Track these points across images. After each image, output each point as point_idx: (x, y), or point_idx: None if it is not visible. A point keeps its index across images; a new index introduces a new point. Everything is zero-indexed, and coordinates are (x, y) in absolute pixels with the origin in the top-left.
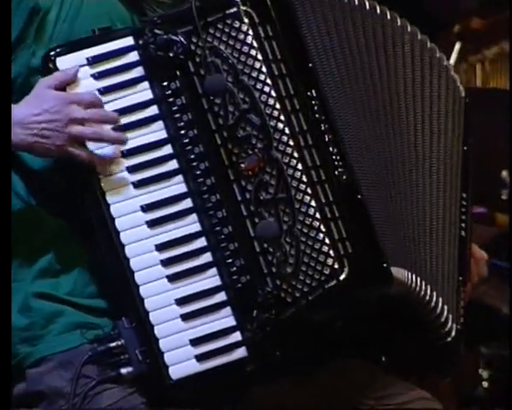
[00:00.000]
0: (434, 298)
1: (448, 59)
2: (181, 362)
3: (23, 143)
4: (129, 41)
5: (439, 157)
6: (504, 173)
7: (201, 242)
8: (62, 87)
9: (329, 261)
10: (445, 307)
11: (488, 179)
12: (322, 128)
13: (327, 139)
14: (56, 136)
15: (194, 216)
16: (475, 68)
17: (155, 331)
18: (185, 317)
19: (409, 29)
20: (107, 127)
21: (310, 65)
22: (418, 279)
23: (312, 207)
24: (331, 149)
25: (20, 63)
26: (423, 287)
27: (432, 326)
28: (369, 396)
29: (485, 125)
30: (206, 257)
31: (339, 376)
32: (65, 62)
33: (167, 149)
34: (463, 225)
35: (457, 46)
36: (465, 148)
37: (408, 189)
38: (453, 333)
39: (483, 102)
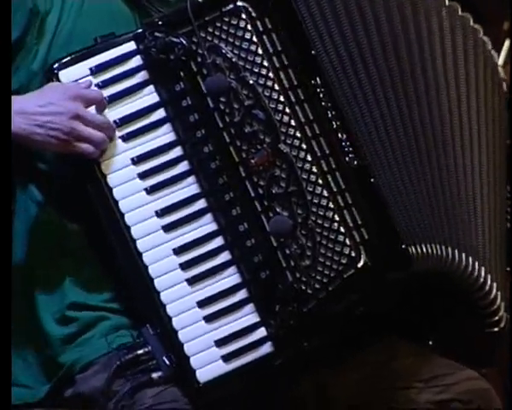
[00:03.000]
0: (483, 274)
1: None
2: (207, 364)
3: (22, 132)
4: (131, 46)
5: (477, 142)
6: None
7: (218, 241)
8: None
9: (346, 250)
10: (498, 293)
11: None
12: (329, 115)
13: (335, 126)
14: (58, 128)
15: (209, 216)
16: None
17: (179, 336)
18: (208, 318)
19: (447, 2)
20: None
21: (312, 52)
22: (459, 252)
23: (324, 197)
24: (340, 135)
25: (21, 72)
26: (468, 261)
27: (483, 312)
28: (417, 379)
29: None
30: (225, 256)
31: (386, 359)
32: (68, 75)
33: (177, 151)
34: (509, 217)
35: (507, 43)
36: (508, 141)
37: (444, 169)
38: (503, 323)
39: None
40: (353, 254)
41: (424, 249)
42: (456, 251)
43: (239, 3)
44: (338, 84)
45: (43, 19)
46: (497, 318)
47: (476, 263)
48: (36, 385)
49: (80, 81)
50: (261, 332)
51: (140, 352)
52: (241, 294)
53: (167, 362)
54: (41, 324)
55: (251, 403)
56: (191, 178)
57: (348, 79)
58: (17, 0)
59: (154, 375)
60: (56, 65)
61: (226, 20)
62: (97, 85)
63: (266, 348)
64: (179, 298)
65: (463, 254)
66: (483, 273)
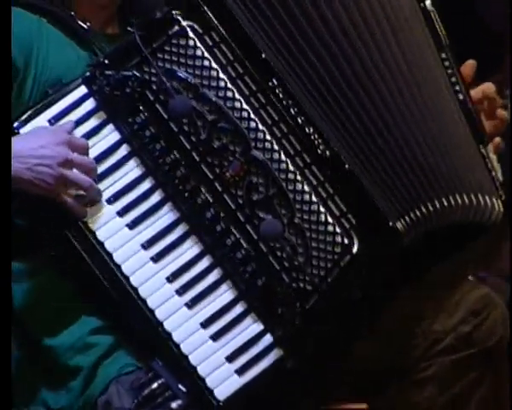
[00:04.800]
0: (481, 200)
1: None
2: (224, 381)
3: (20, 176)
4: (82, 90)
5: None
6: None
7: (207, 260)
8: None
9: (338, 239)
10: (486, 196)
11: None
12: (293, 113)
13: (300, 122)
14: (48, 173)
15: (193, 238)
16: None
17: (190, 360)
18: (214, 337)
19: None
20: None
21: (263, 55)
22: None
23: (306, 192)
24: (307, 129)
25: None
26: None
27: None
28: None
29: None
30: (216, 273)
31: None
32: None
33: (149, 182)
34: (457, 87)
35: None
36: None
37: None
38: (498, 209)
39: None
40: (346, 241)
41: (418, 213)
42: (472, 194)
43: (183, 23)
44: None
45: (23, 76)
46: (493, 217)
47: (486, 197)
48: None
49: (64, 124)
50: (268, 339)
51: (154, 386)
52: (240, 306)
53: (184, 389)
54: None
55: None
56: (168, 205)
57: (296, 72)
58: None
59: (174, 405)
60: (16, 124)
61: (174, 42)
62: None
63: (276, 353)
64: (182, 323)
65: (476, 195)
66: (495, 202)
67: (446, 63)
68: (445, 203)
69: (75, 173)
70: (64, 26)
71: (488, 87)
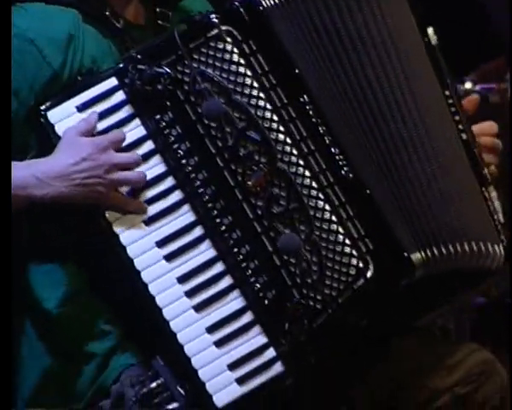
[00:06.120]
0: (497, 250)
1: None
2: (223, 388)
3: (64, 195)
4: (112, 82)
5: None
6: None
7: (219, 266)
8: (89, 135)
9: (354, 261)
10: (488, 244)
11: None
12: (321, 131)
13: (327, 141)
14: (99, 183)
15: (208, 242)
16: None
17: (192, 363)
18: (218, 343)
19: None
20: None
21: (296, 71)
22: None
23: (327, 210)
24: (333, 150)
25: None
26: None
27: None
28: (425, 363)
29: None
30: (227, 280)
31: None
32: (56, 115)
33: (170, 182)
34: (460, 126)
35: None
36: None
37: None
38: (500, 255)
39: None
40: (361, 265)
41: (436, 251)
42: (473, 242)
43: (223, 27)
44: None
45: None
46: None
47: (489, 245)
48: None
49: (85, 117)
50: (271, 353)
51: (153, 385)
52: (247, 316)
53: (182, 392)
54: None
55: None
56: (186, 207)
57: (328, 92)
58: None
59: (170, 407)
60: (43, 106)
61: (212, 45)
62: None
63: (277, 368)
64: (188, 325)
65: (477, 242)
66: (497, 250)
67: (450, 101)
68: (459, 249)
69: (125, 174)
70: (98, 24)
71: (491, 127)
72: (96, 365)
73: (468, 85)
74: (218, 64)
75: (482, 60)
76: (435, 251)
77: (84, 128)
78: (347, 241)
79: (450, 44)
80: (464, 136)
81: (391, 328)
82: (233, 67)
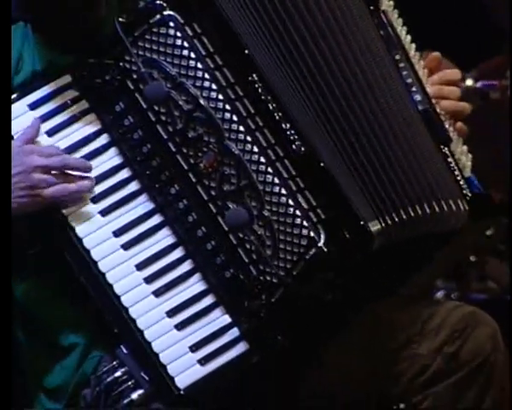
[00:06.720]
0: (444, 206)
1: None
2: (185, 370)
3: (14, 207)
4: (67, 78)
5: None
6: None
7: (179, 251)
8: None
9: (305, 232)
10: (450, 201)
11: None
12: (271, 108)
13: (277, 117)
14: (26, 186)
15: (166, 229)
16: None
17: (153, 347)
18: (179, 326)
19: None
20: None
21: (246, 51)
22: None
23: (276, 184)
24: (283, 125)
25: None
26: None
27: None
28: (411, 333)
29: None
30: (188, 265)
31: (371, 326)
32: None
33: (126, 172)
34: (414, 88)
35: None
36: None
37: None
38: (464, 209)
39: None
40: (312, 234)
41: (396, 217)
42: (434, 202)
43: (165, 12)
44: (273, 75)
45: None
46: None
47: (451, 201)
48: None
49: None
50: (234, 332)
51: (118, 374)
52: (209, 299)
53: (146, 377)
54: None
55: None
56: (143, 196)
57: (281, 69)
58: None
59: (134, 395)
60: None
61: (155, 30)
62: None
63: (241, 347)
64: (148, 311)
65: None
66: (460, 205)
67: (401, 64)
68: (419, 211)
69: (48, 177)
70: None
71: (453, 73)
72: (79, 354)
73: (469, 82)
74: (162, 49)
75: (483, 57)
76: (395, 217)
77: (23, 140)
78: (297, 212)
79: (452, 41)
80: (418, 97)
81: (366, 297)
82: (176, 51)
